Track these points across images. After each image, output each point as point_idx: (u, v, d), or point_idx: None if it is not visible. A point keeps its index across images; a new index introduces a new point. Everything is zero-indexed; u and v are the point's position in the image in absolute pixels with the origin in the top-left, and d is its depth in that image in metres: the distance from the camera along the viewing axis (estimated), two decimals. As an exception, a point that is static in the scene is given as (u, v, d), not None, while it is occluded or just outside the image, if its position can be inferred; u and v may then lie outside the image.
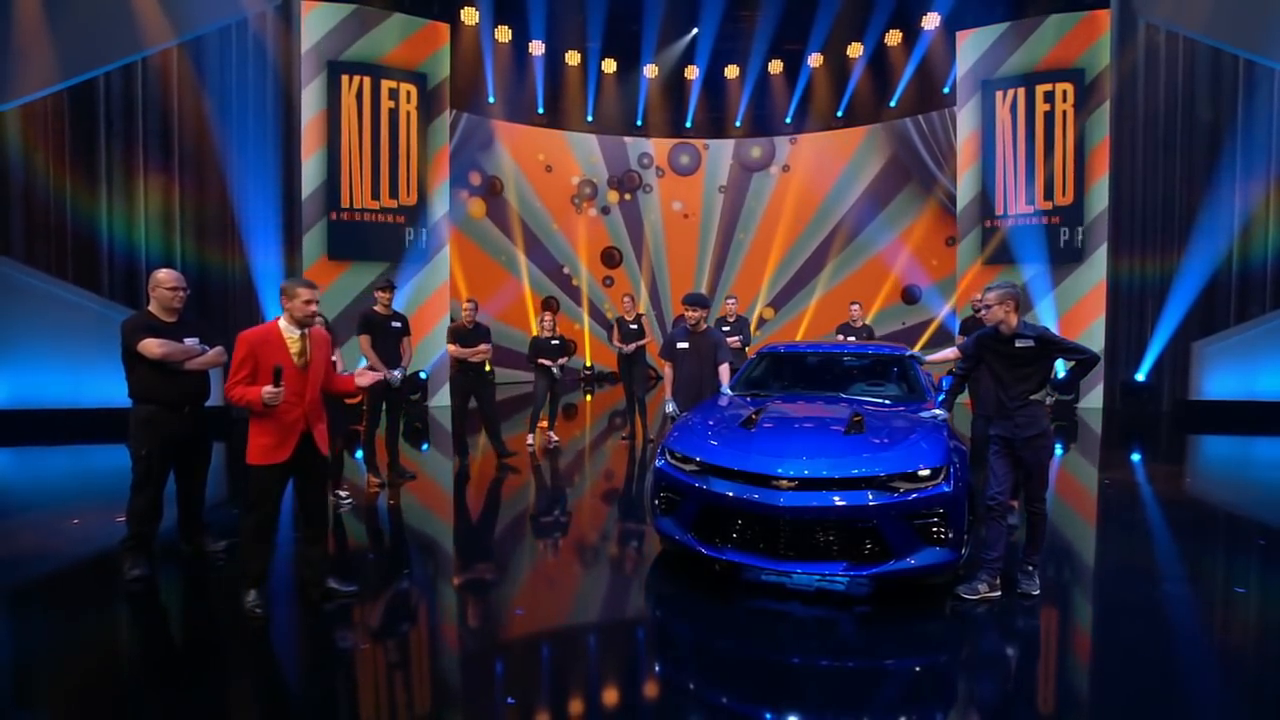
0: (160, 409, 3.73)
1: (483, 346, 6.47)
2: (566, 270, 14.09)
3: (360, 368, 3.65)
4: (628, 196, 14.40)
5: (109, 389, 7.79)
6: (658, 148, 14.37)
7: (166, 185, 8.66)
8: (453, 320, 6.47)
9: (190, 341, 3.80)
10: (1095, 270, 10.26)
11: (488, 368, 12.47)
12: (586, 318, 14.15)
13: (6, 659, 3.10)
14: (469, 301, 6.69)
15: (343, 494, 5.15)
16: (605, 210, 14.34)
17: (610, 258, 14.43)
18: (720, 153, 14.36)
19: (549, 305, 13.64)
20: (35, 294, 7.97)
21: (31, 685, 2.89)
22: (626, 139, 14.17)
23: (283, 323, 3.31)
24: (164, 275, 3.85)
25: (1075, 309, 10.37)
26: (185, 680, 2.84)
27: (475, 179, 13.01)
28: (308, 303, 3.28)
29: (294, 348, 3.29)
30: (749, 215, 14.44)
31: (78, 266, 8.19)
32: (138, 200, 8.47)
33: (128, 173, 8.44)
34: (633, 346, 7.59)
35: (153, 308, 3.80)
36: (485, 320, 12.27)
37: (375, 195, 10.31)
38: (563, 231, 14.02)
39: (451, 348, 6.36)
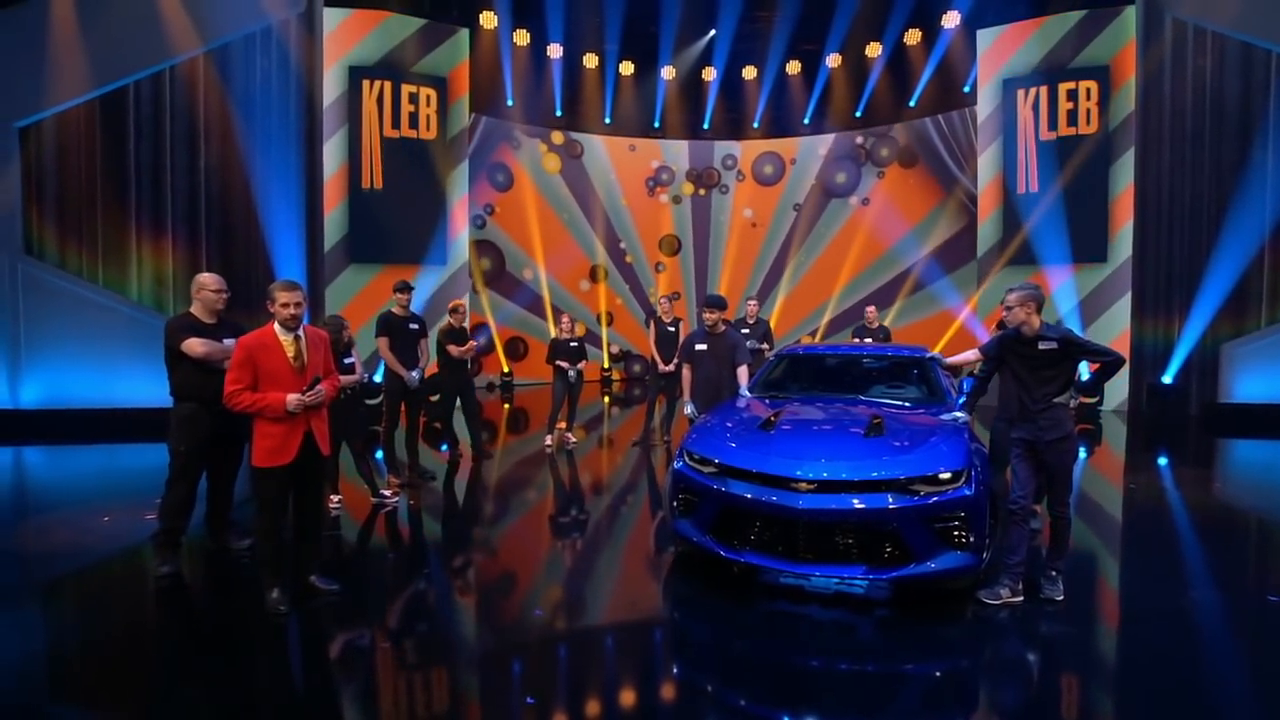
0: (200, 407, 3.83)
1: (470, 344, 6.55)
2: (623, 245, 14.20)
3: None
4: (702, 192, 14.45)
5: (138, 389, 8.01)
6: (745, 151, 14.26)
7: (193, 190, 8.84)
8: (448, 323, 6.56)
9: (229, 342, 3.88)
10: (1120, 271, 10.08)
11: (506, 369, 12.70)
12: (602, 297, 14.09)
13: (40, 650, 3.19)
14: (460, 304, 6.71)
15: (335, 499, 5.11)
16: (677, 200, 14.43)
17: (669, 245, 14.51)
18: (806, 169, 14.05)
19: (595, 275, 13.89)
20: (68, 297, 8.18)
21: (64, 677, 2.97)
22: (716, 141, 14.22)
23: (276, 326, 3.33)
24: (209, 279, 3.98)
25: (1099, 310, 10.20)
26: (210, 674, 2.90)
27: (557, 138, 13.31)
28: (284, 305, 3.29)
29: (289, 350, 3.31)
30: (816, 239, 14.11)
31: (108, 270, 8.40)
32: (165, 205, 8.65)
33: (156, 178, 8.62)
34: (674, 365, 7.47)
35: (195, 309, 3.94)
36: (537, 273, 12.52)
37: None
38: (630, 209, 14.18)
39: (453, 348, 6.40)
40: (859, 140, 13.62)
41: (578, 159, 13.62)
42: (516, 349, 13.12)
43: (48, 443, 7.75)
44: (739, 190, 14.42)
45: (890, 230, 13.43)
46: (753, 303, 7.83)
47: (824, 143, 13.90)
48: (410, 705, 2.78)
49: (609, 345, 14.12)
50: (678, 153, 14.28)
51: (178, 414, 3.86)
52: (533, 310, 13.22)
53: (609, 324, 14.03)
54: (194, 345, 3.77)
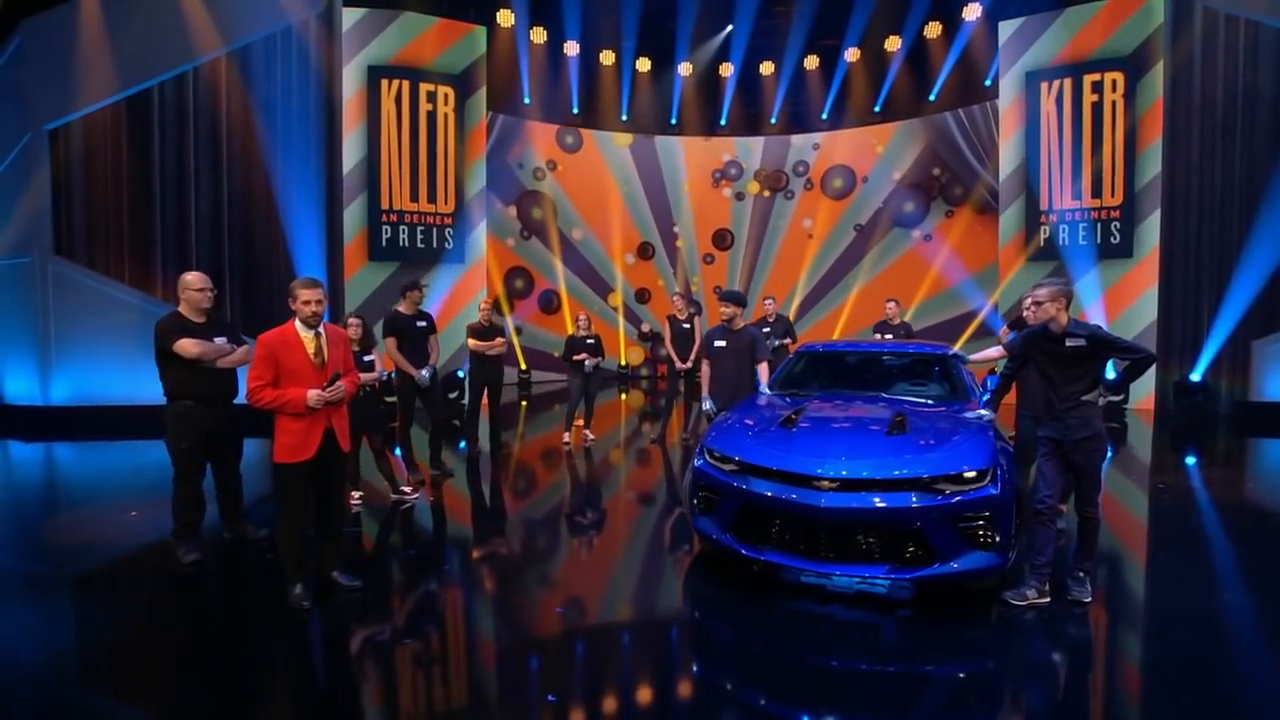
0: (195, 405, 3.90)
1: (499, 340, 6.64)
2: (676, 229, 14.29)
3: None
4: (766, 193, 14.33)
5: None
6: (819, 159, 13.97)
7: (215, 189, 8.97)
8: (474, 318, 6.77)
9: (219, 340, 3.97)
10: (1146, 266, 9.88)
11: (524, 367, 12.79)
12: (618, 270, 14.15)
13: (71, 642, 3.25)
14: (486, 302, 6.81)
15: (356, 496, 5.15)
16: (739, 196, 14.39)
17: (721, 239, 14.49)
18: (876, 190, 13.60)
19: (644, 251, 14.10)
20: (95, 295, 8.34)
21: (93, 668, 3.02)
22: (794, 138, 14.01)
23: (297, 323, 3.36)
24: (192, 278, 4.01)
25: (1125, 306, 10.00)
26: (234, 669, 2.94)
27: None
28: (306, 303, 3.31)
29: (310, 347, 3.35)
30: (869, 265, 13.65)
31: (133, 269, 8.54)
32: (189, 204, 8.79)
33: (180, 178, 8.76)
34: (690, 363, 7.43)
35: (183, 309, 3.97)
36: (586, 235, 13.10)
37: (414, 197, 10.50)
38: (691, 196, 14.28)
39: (471, 342, 6.50)
40: (935, 171, 13.04)
41: (650, 139, 13.87)
42: (550, 301, 13.42)
43: (77, 439, 7.91)
44: (804, 198, 14.16)
45: (948, 273, 12.70)
46: (769, 301, 7.83)
47: (900, 167, 13.28)
48: (432, 702, 2.79)
49: (635, 323, 14.24)
50: (751, 150, 14.20)
51: (173, 413, 3.91)
52: (573, 268, 13.52)
53: (645, 301, 14.15)
54: (187, 346, 3.82)
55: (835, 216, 14.01)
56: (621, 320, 14.07)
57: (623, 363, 14.06)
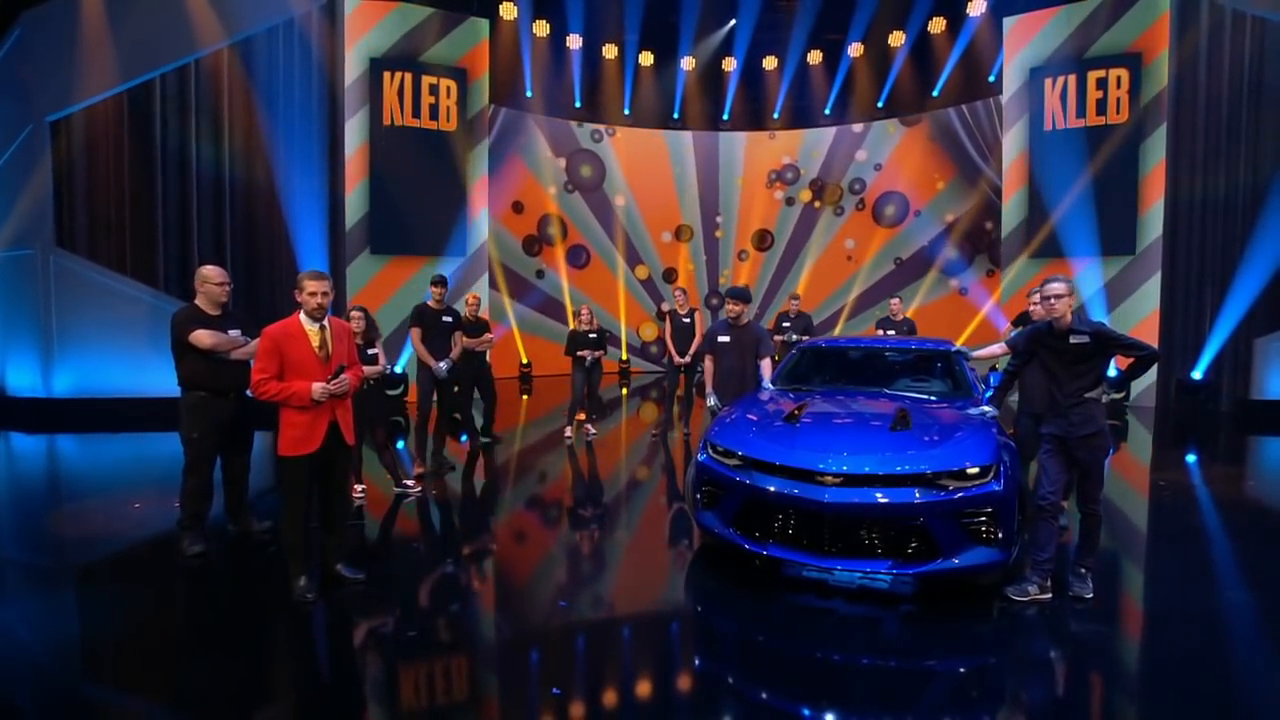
0: (208, 395, 3.95)
1: (487, 336, 6.66)
2: (719, 219, 14.36)
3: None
4: (817, 204, 14.11)
5: (166, 378, 8.13)
6: (878, 181, 13.65)
7: (217, 181, 8.94)
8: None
9: (234, 333, 4.01)
10: (1149, 262, 9.86)
11: (525, 359, 12.78)
12: (637, 280, 14.28)
13: (75, 633, 3.26)
14: (473, 296, 6.81)
15: (359, 489, 5.12)
16: (789, 201, 14.27)
17: (761, 239, 14.44)
18: (925, 227, 13.28)
19: (681, 233, 14.29)
20: (97, 288, 8.33)
21: (97, 659, 3.03)
22: (859, 153, 13.71)
23: (302, 316, 3.37)
24: (212, 272, 4.06)
25: (1127, 302, 9.99)
26: (239, 662, 2.95)
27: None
28: (313, 294, 3.32)
29: (314, 340, 3.35)
30: (904, 300, 13.34)
31: (135, 262, 8.53)
32: (190, 196, 8.76)
33: (182, 170, 8.73)
34: (689, 358, 7.46)
35: (199, 301, 4.02)
36: (627, 203, 13.40)
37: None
38: (741, 190, 14.31)
39: (465, 339, 6.50)
40: (988, 225, 12.62)
41: (714, 133, 14.09)
42: (579, 257, 13.69)
43: (79, 431, 7.92)
44: (854, 218, 13.91)
45: (980, 331, 12.15)
46: (794, 300, 8.02)
47: (955, 210, 12.96)
48: (435, 694, 2.80)
49: (656, 301, 14.38)
50: (813, 156, 13.99)
51: (187, 403, 3.96)
52: (607, 230, 13.78)
53: (672, 281, 14.25)
54: (202, 337, 3.87)
55: (880, 243, 13.73)
56: (622, 287, 14.01)
57: (624, 357, 14.05)
